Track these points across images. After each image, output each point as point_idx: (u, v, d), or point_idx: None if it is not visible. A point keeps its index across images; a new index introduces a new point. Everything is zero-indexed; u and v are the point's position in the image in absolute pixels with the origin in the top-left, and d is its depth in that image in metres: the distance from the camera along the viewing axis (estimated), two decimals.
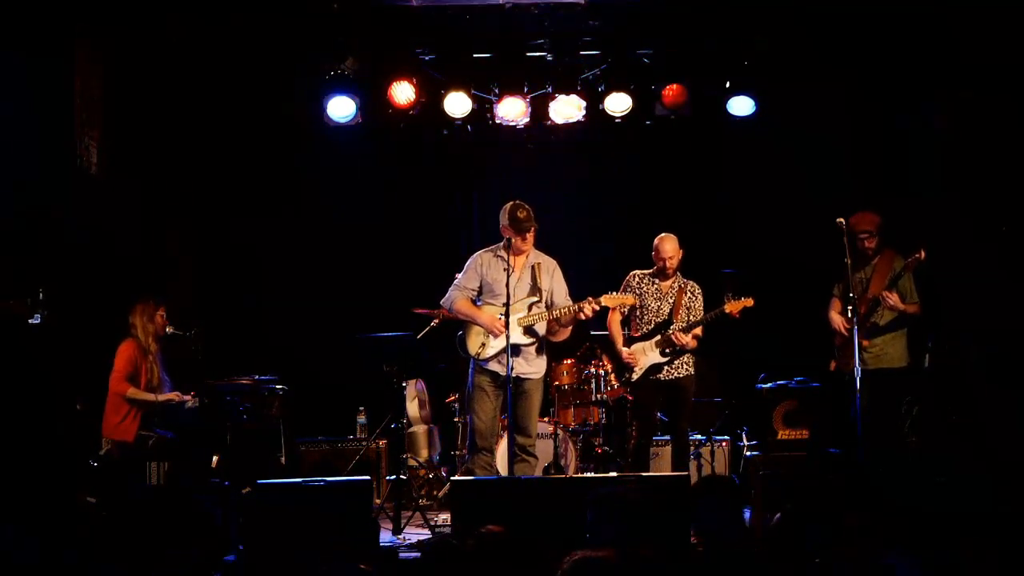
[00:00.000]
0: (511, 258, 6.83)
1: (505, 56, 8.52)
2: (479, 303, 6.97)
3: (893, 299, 7.21)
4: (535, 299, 6.90)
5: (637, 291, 7.35)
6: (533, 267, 6.91)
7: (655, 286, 7.35)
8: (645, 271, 7.39)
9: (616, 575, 3.28)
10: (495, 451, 7.18)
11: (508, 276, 6.68)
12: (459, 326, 7.05)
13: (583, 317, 6.83)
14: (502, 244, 6.91)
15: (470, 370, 7.01)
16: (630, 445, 7.49)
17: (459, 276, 7.03)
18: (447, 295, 7.03)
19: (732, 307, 7.15)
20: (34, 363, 6.70)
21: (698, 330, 7.27)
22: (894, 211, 7.54)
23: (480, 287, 6.97)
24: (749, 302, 7.14)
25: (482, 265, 6.96)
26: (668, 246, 7.27)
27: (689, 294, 7.34)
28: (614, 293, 6.98)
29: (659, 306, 7.32)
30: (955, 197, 8.02)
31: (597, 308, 6.80)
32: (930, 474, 6.71)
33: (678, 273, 7.36)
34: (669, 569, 3.64)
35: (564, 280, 7.01)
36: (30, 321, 6.62)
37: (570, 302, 6.89)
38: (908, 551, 3.36)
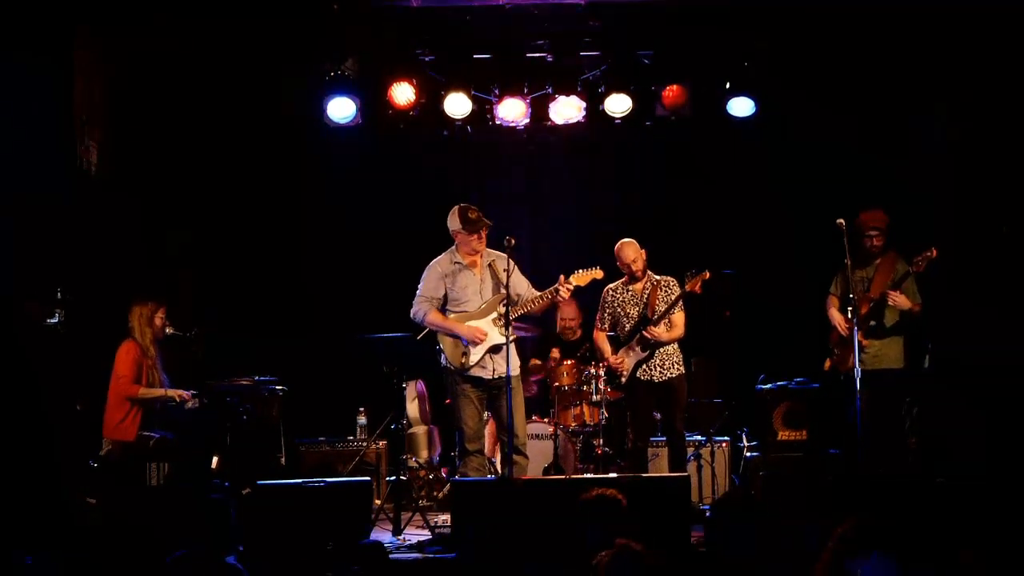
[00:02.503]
0: (466, 259, 6.87)
1: (505, 57, 8.52)
2: (445, 313, 6.94)
3: (900, 299, 7.19)
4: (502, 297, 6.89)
5: (614, 304, 7.41)
6: (490, 265, 6.90)
7: (629, 293, 7.41)
8: (617, 282, 7.43)
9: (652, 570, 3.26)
10: (492, 453, 7.16)
11: (508, 276, 6.67)
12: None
13: (560, 300, 6.87)
14: (455, 248, 6.93)
15: (448, 380, 6.99)
16: (627, 447, 7.49)
17: (420, 287, 6.96)
18: (414, 308, 6.96)
19: (691, 284, 7.21)
20: (35, 363, 6.70)
21: (677, 318, 7.29)
22: (895, 212, 7.53)
23: (444, 296, 6.94)
24: (706, 275, 7.20)
25: (444, 274, 6.92)
26: (628, 251, 7.30)
27: (664, 290, 7.36)
28: (580, 271, 6.91)
29: (638, 311, 7.36)
30: (956, 198, 8.03)
31: (571, 288, 6.79)
32: (930, 474, 6.72)
33: (648, 272, 7.39)
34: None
35: (520, 271, 6.98)
36: (48, 321, 6.61)
37: (535, 291, 6.89)
38: (891, 556, 3.33)
